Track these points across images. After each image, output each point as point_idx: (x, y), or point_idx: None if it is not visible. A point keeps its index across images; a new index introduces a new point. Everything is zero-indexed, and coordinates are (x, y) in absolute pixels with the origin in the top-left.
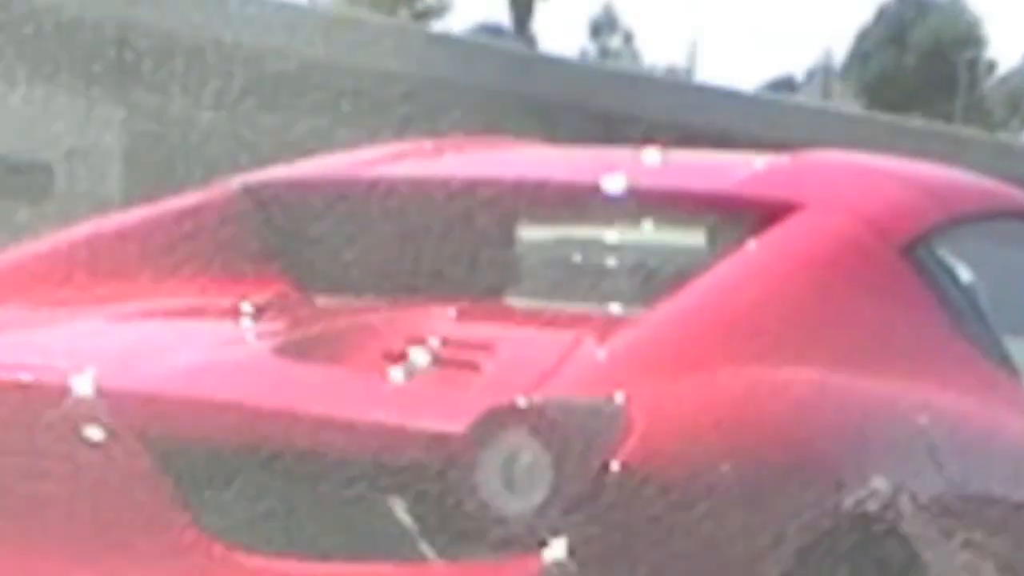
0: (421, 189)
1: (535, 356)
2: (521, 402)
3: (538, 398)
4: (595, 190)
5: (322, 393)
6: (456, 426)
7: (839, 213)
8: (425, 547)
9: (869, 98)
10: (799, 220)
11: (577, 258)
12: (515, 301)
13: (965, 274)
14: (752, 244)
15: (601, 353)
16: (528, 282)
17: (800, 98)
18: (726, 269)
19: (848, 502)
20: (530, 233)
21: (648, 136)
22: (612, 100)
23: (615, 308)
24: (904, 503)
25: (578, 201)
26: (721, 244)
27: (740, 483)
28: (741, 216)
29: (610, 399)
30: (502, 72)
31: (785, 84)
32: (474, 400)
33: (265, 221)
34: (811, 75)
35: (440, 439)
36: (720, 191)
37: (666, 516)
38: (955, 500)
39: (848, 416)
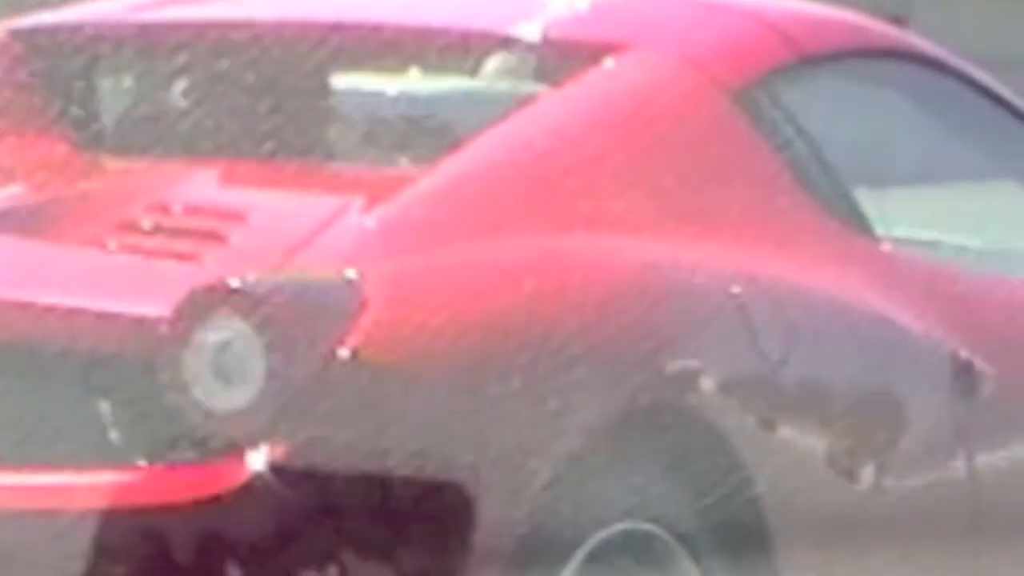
0: (218, 33)
1: (290, 226)
2: (232, 282)
3: (253, 276)
4: (401, 33)
5: (18, 271)
6: (162, 309)
7: (663, 55)
8: (127, 450)
9: None
10: (617, 64)
11: (378, 109)
12: (311, 159)
13: (816, 122)
14: (560, 92)
15: (368, 221)
16: (326, 138)
17: None
18: (526, 120)
19: (641, 385)
20: (335, 82)
21: None
22: None
23: (410, 166)
24: (710, 387)
25: (384, 46)
26: (532, 93)
27: (503, 369)
28: (556, 61)
29: (341, 276)
30: None
31: None
32: (197, 280)
33: (38, 71)
34: None
35: (143, 325)
36: (534, 32)
37: (411, 409)
38: (778, 385)
39: (648, 288)
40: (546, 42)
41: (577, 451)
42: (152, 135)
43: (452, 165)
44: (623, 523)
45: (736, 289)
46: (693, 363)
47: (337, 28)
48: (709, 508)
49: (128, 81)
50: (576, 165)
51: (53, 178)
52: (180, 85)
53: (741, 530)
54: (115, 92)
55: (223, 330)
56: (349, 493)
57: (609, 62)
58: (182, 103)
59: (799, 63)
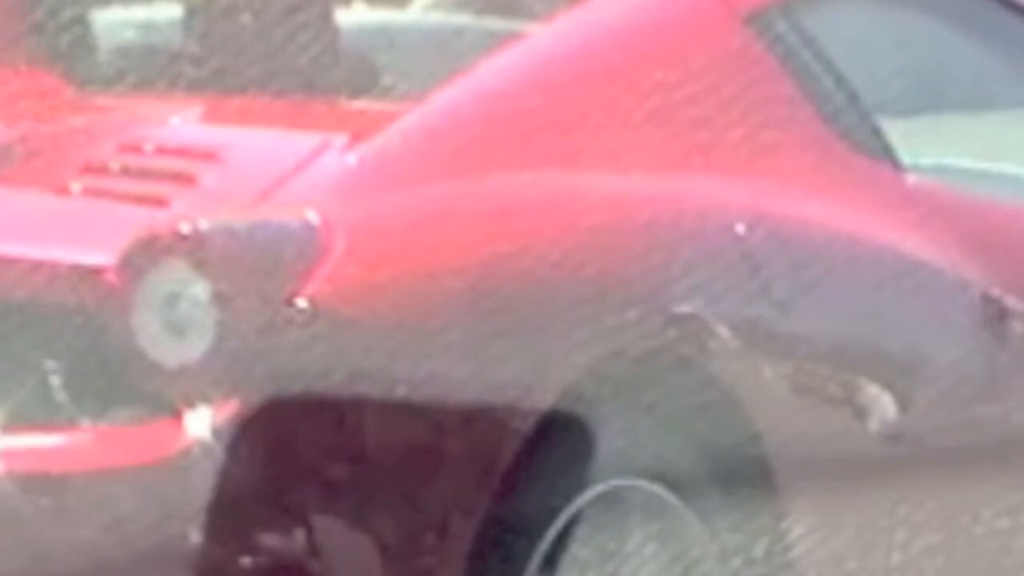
0: None
1: (264, 166)
2: (181, 227)
3: (205, 221)
4: None
5: None
6: (110, 258)
7: None
8: (70, 409)
9: None
10: None
11: (368, 42)
12: (297, 94)
13: (840, 47)
14: (557, 21)
15: (346, 160)
16: (315, 72)
17: None
18: (521, 53)
19: (636, 332)
20: (327, 15)
21: None
22: None
23: (399, 101)
24: (713, 333)
25: None
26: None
27: (481, 316)
28: None
29: (301, 218)
30: None
31: None
32: (156, 225)
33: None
34: None
35: (87, 273)
36: None
37: (376, 363)
38: (788, 330)
39: (645, 226)
40: None
41: (562, 405)
42: (137, 69)
43: (440, 100)
44: (615, 480)
45: (742, 227)
46: (695, 307)
47: None
48: (712, 464)
49: (116, 13)
50: (574, 98)
51: (28, 115)
52: (165, 18)
53: (747, 487)
54: (104, 25)
55: (171, 279)
56: (308, 453)
57: None
58: (168, 37)
59: None
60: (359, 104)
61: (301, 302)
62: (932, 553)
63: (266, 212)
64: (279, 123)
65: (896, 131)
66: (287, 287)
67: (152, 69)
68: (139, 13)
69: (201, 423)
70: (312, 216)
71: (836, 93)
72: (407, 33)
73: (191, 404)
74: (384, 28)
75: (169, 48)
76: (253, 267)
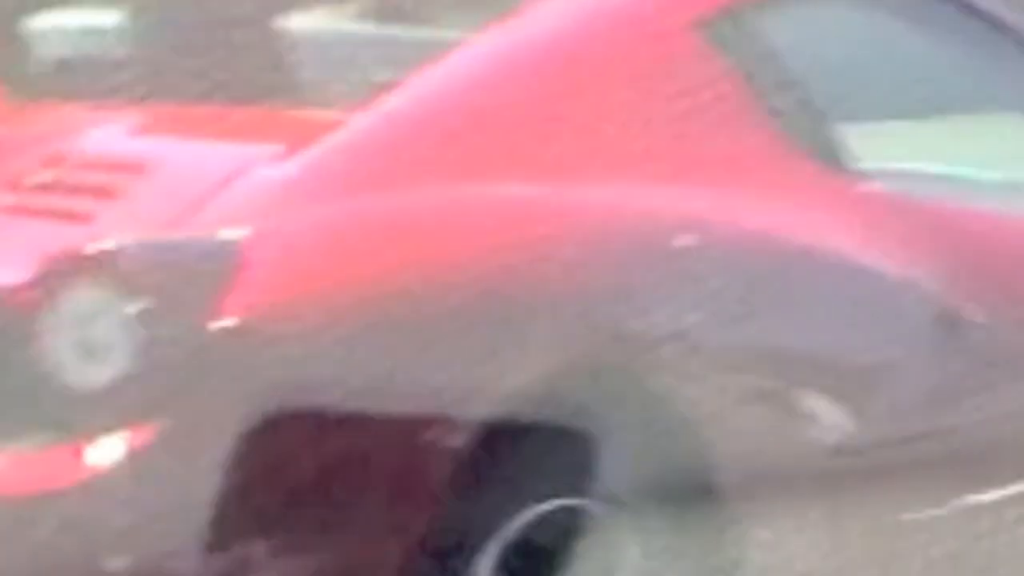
0: None
1: (193, 180)
2: (94, 246)
3: (121, 238)
4: None
5: None
6: (23, 275)
7: None
8: None
9: None
10: None
11: (306, 50)
12: (234, 102)
13: (794, 52)
14: (501, 27)
15: (277, 173)
16: (255, 80)
17: None
18: (463, 58)
19: (576, 347)
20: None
21: None
22: None
23: (337, 111)
24: (657, 347)
25: None
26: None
27: (412, 334)
28: None
29: (220, 236)
30: None
31: None
32: (74, 242)
33: None
34: None
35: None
36: None
37: (298, 386)
38: (736, 343)
39: (589, 238)
40: None
41: (501, 421)
42: (72, 79)
43: (377, 110)
44: (557, 500)
45: (688, 238)
46: (638, 321)
47: None
48: (658, 482)
49: (51, 21)
50: (514, 108)
51: None
52: (101, 27)
53: (694, 504)
54: (39, 33)
55: (84, 299)
56: (230, 476)
57: None
58: (104, 46)
59: None
60: (296, 114)
61: (221, 321)
62: (882, 565)
63: (187, 229)
64: (212, 134)
65: (853, 136)
66: (206, 306)
67: (87, 78)
68: (74, 21)
69: (116, 448)
70: (234, 233)
71: (789, 99)
72: (344, 42)
73: (105, 429)
74: (321, 37)
75: (104, 57)
76: (170, 286)
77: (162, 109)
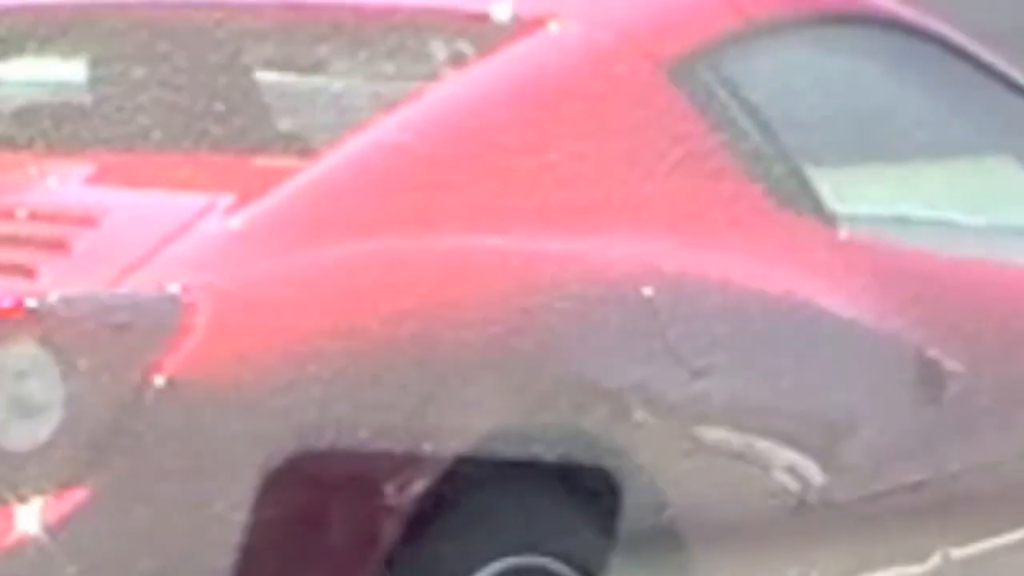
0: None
1: (142, 231)
2: (28, 302)
3: (57, 294)
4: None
5: None
6: None
7: (586, 25)
8: None
9: None
10: (538, 37)
11: (268, 98)
12: (187, 152)
13: (768, 97)
14: (469, 71)
15: (227, 224)
16: (212, 128)
17: None
18: (423, 106)
19: (532, 404)
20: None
21: None
22: None
23: (292, 159)
24: (618, 406)
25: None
26: (443, 71)
27: (359, 391)
28: (474, 34)
29: (160, 291)
30: None
31: None
32: (15, 297)
33: None
34: None
35: None
36: (451, 5)
37: (241, 448)
38: (701, 402)
39: (549, 291)
40: (464, 14)
41: (453, 479)
42: (27, 128)
43: (331, 159)
44: (513, 557)
45: (654, 290)
46: (601, 375)
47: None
48: (618, 539)
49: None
50: (477, 156)
51: None
52: (57, 77)
53: (655, 563)
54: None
55: (16, 356)
56: (165, 540)
57: (532, 35)
58: (59, 95)
59: (747, 32)
60: (251, 162)
61: (158, 380)
62: None
63: (126, 284)
64: (166, 184)
65: (828, 181)
66: (143, 364)
67: (43, 128)
68: (32, 71)
69: (48, 510)
70: (174, 287)
71: (762, 145)
72: (300, 91)
73: (36, 490)
74: (277, 86)
75: (63, 107)
76: (106, 343)
77: (118, 158)
